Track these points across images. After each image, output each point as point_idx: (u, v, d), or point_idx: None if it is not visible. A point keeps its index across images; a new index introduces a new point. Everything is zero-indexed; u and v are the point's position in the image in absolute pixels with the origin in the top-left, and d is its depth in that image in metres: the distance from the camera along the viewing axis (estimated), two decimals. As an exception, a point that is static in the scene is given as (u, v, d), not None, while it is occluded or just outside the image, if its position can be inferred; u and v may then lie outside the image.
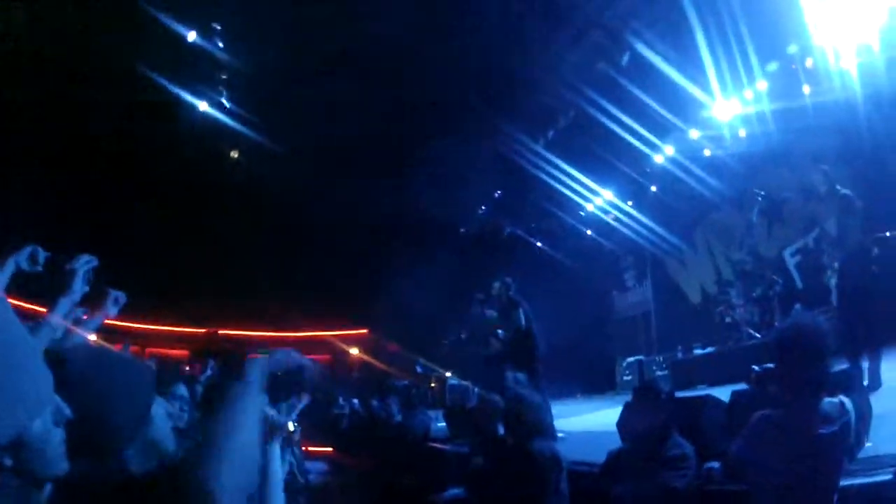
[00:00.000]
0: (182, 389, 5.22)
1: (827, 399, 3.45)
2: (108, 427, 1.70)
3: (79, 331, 2.82)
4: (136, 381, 1.85)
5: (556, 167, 16.22)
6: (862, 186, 12.97)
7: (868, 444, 4.25)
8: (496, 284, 10.63)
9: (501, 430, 6.23)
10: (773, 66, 12.81)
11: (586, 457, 6.40)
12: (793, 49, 12.33)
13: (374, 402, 13.01)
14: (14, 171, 13.26)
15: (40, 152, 14.03)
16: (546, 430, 5.64)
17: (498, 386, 10.25)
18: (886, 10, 10.39)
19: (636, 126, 14.27)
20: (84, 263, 2.80)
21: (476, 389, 13.74)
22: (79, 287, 2.78)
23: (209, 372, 8.07)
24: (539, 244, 20.89)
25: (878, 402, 5.05)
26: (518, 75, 14.68)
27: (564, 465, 5.24)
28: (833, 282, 8.97)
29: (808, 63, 12.45)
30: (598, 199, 18.02)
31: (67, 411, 1.55)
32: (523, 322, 10.10)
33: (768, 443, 3.50)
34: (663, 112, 13.95)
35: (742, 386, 6.61)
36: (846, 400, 3.46)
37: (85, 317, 3.00)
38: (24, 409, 1.43)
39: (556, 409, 11.16)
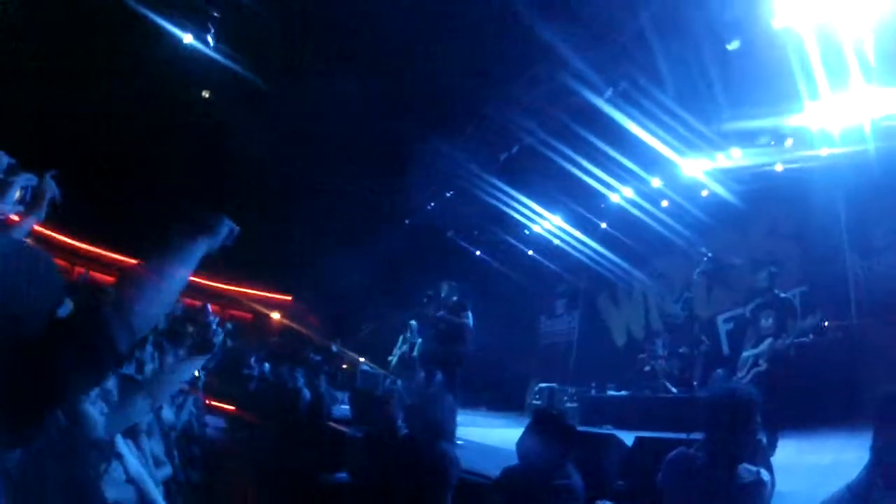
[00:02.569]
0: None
1: (745, 466, 3.50)
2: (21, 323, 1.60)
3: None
4: (47, 276, 1.74)
5: (511, 186, 16.39)
6: (805, 268, 13.27)
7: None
8: (444, 286, 10.64)
9: (401, 423, 6.22)
10: (752, 139, 12.89)
11: (480, 468, 6.41)
12: (778, 126, 12.41)
13: (284, 371, 12.92)
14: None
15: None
16: (448, 433, 5.63)
17: (413, 382, 10.35)
18: (883, 100, 10.41)
19: (597, 166, 14.32)
20: (24, 180, 2.92)
21: (387, 379, 13.76)
22: (10, 198, 2.96)
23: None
24: (478, 253, 20.87)
25: (783, 478, 5.11)
26: (489, 96, 14.72)
27: (458, 471, 5.24)
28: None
29: (788, 143, 12.55)
30: (546, 223, 18.07)
31: None
32: (471, 325, 10.23)
33: (688, 486, 3.55)
34: (627, 161, 14.02)
35: (647, 433, 6.71)
36: (764, 471, 3.52)
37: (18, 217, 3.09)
38: None
39: (460, 417, 11.16)
